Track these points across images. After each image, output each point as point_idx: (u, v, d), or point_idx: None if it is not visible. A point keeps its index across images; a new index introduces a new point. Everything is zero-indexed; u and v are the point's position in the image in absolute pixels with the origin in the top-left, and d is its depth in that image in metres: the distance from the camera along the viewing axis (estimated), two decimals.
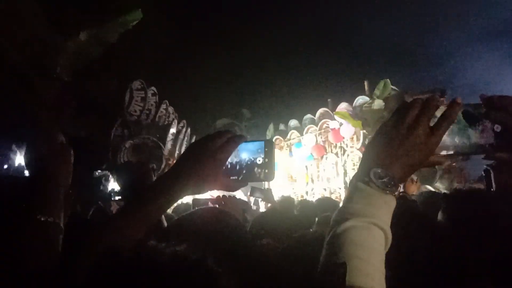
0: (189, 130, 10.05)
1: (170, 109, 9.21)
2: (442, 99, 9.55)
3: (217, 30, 15.03)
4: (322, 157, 10.18)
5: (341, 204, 0.83)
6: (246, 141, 0.93)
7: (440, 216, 1.85)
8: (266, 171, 0.90)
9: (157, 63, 10.45)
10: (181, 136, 9.38)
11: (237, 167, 0.92)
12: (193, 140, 10.43)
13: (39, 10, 7.33)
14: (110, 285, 0.60)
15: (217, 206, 2.49)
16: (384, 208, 0.78)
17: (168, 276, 0.59)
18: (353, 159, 9.31)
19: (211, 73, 14.47)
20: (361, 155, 9.06)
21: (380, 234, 0.76)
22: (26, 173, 1.31)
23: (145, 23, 8.19)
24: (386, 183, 0.76)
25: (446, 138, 0.81)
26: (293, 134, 11.32)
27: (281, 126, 12.27)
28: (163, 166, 7.72)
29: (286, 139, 11.59)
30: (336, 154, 9.76)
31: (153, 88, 8.55)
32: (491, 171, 2.16)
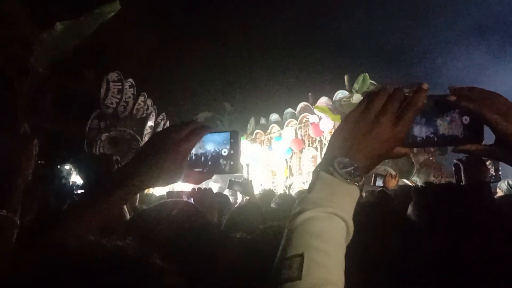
0: (168, 122, 9.94)
1: (149, 101, 9.09)
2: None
3: (199, 22, 14.91)
4: (301, 151, 10.23)
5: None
6: (211, 132, 0.90)
7: (410, 210, 1.86)
8: (232, 163, 0.88)
9: (138, 55, 10.28)
10: (159, 129, 9.26)
11: (202, 159, 0.89)
12: None
13: (15, 2, 7.15)
14: (47, 284, 0.57)
15: (191, 199, 2.45)
16: (346, 198, 0.75)
17: (105, 272, 0.56)
18: None
19: (192, 65, 14.35)
20: None
21: (341, 225, 0.73)
22: None
23: (124, 14, 8.03)
24: (350, 172, 0.74)
25: (413, 128, 0.79)
26: (274, 128, 11.34)
27: (262, 120, 12.28)
28: None
29: (266, 133, 11.60)
30: (316, 148, 9.81)
31: (130, 80, 8.40)
32: (461, 165, 2.19)
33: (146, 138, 8.15)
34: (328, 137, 9.44)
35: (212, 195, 2.49)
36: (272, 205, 4.06)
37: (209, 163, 0.89)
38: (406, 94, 0.80)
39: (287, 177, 10.62)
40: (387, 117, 0.76)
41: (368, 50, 13.75)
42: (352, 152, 0.76)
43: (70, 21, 7.58)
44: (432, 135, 0.80)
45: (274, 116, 11.72)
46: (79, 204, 0.87)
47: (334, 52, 14.25)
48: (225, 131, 0.91)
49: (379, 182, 4.69)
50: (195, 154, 0.89)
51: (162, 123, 9.49)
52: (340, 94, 9.37)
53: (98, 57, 8.52)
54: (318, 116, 9.31)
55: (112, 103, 7.89)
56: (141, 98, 8.65)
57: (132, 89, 8.33)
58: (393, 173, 5.16)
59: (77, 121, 7.34)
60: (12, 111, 6.17)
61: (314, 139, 9.93)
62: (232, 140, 0.89)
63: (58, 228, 0.83)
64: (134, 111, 8.32)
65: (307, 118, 9.93)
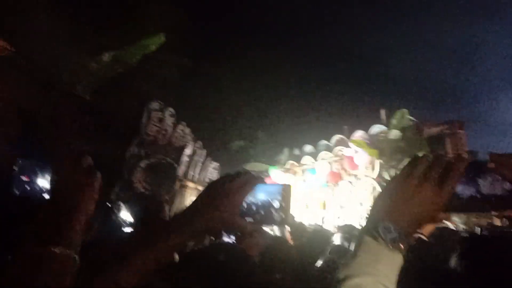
0: (205, 151, 10.09)
1: (187, 130, 9.31)
2: (460, 131, 9.46)
3: (235, 53, 15.28)
4: (336, 184, 10.07)
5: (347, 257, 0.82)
6: (264, 183, 0.93)
7: (454, 262, 1.79)
8: (283, 215, 0.90)
9: (177, 85, 10.62)
10: (196, 158, 9.42)
11: (253, 208, 0.91)
12: (208, 162, 10.47)
13: (65, 30, 7.59)
14: None
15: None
16: (390, 266, 0.76)
17: None
18: (367, 188, 9.19)
19: (228, 94, 14.62)
20: (375, 184, 9.01)
21: None
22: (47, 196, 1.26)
23: (166, 46, 8.39)
24: (394, 238, 0.75)
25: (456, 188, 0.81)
26: (308, 160, 11.26)
27: (296, 151, 12.24)
28: (176, 187, 7.74)
29: (300, 164, 11.53)
30: (351, 182, 9.64)
31: (171, 109, 8.68)
32: None
33: (183, 167, 8.30)
34: (364, 172, 9.29)
35: (261, 238, 2.49)
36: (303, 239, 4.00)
37: (261, 213, 0.91)
38: (448, 160, 0.82)
39: (321, 210, 10.44)
40: (430, 183, 0.78)
41: (404, 85, 13.64)
42: (396, 217, 0.77)
43: (117, 51, 7.99)
44: (474, 194, 0.80)
45: (308, 147, 11.67)
46: (135, 248, 0.90)
47: (369, 85, 14.21)
48: (277, 184, 0.95)
49: None
50: (246, 203, 0.91)
51: (199, 151, 9.65)
52: (376, 128, 9.26)
53: (140, 86, 8.87)
54: (354, 149, 9.19)
55: (152, 131, 8.14)
56: (180, 127, 8.88)
57: (172, 118, 8.59)
58: None
59: (117, 147, 7.59)
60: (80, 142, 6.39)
61: (349, 172, 9.78)
62: (284, 193, 0.91)
63: (116, 269, 0.86)
64: (173, 140, 8.53)
65: (342, 151, 9.83)
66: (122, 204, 2.33)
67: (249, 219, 0.91)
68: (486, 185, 0.81)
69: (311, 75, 15.23)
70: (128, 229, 2.23)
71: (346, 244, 4.00)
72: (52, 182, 1.16)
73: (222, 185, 0.89)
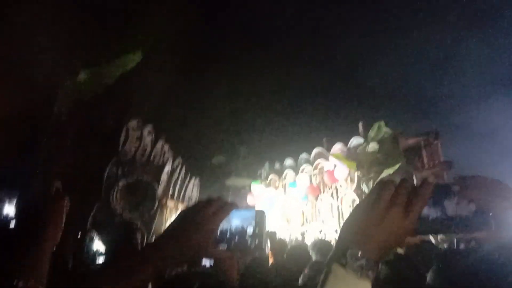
0: (184, 168, 10.02)
1: (166, 147, 9.23)
2: (436, 141, 9.66)
3: (214, 67, 15.30)
4: (317, 198, 10.13)
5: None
6: (237, 209, 0.92)
7: (430, 277, 1.81)
8: (257, 241, 0.89)
9: (155, 100, 10.55)
10: (175, 175, 9.34)
11: (227, 235, 0.91)
12: (188, 179, 10.39)
13: (38, 48, 7.46)
14: None
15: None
16: None
17: None
18: (347, 201, 9.26)
19: (208, 110, 14.60)
20: (355, 197, 9.09)
21: None
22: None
23: (144, 63, 8.35)
24: (362, 266, 0.75)
25: (422, 212, 0.82)
26: (289, 173, 11.31)
27: (277, 165, 12.29)
28: (156, 206, 7.64)
29: (281, 178, 11.57)
30: (331, 195, 9.71)
31: (149, 126, 8.61)
32: None
33: (162, 185, 8.22)
34: (344, 185, 9.37)
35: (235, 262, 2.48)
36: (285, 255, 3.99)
37: (234, 239, 0.90)
38: (414, 184, 0.83)
39: (302, 224, 10.46)
40: (397, 209, 0.78)
41: (383, 98, 13.90)
42: (363, 244, 0.77)
43: (93, 68, 7.89)
44: (440, 217, 0.81)
45: (288, 161, 11.73)
46: (106, 282, 0.88)
47: (349, 97, 14.42)
48: (251, 209, 0.94)
49: None
50: (220, 230, 0.90)
51: (178, 169, 9.58)
52: (355, 141, 9.38)
53: (118, 104, 8.77)
54: (333, 163, 9.28)
55: (130, 150, 8.05)
56: (159, 144, 8.81)
57: (150, 136, 8.51)
58: None
59: (96, 168, 7.46)
60: (43, 166, 6.23)
61: (329, 186, 9.85)
62: (257, 219, 0.90)
63: None
64: (151, 158, 8.44)
65: (322, 165, 9.91)
66: (96, 232, 2.28)
67: (223, 246, 0.90)
68: (452, 207, 0.83)
69: (290, 89, 15.38)
70: (102, 257, 2.18)
71: (323, 259, 4.01)
72: (17, 210, 1.13)
73: (195, 213, 0.89)
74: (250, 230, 0.90)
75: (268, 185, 11.92)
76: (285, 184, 11.31)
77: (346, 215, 9.06)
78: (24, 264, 1.04)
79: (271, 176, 11.96)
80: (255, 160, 14.49)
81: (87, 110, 7.77)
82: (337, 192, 9.60)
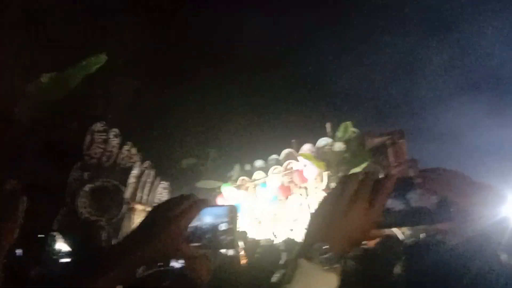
0: (153, 171, 9.85)
1: (133, 150, 9.05)
2: (401, 140, 9.94)
3: (182, 70, 15.19)
4: (287, 198, 10.20)
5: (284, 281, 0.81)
6: (208, 206, 0.89)
7: (398, 269, 1.84)
8: (229, 238, 0.87)
9: (121, 104, 10.34)
10: (144, 178, 9.16)
11: (198, 233, 0.88)
12: (158, 182, 10.22)
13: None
14: None
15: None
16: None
17: None
18: (317, 199, 9.36)
19: (176, 113, 14.45)
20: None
21: None
22: None
23: (109, 65, 8.16)
24: (328, 259, 0.75)
25: (386, 204, 0.83)
26: (259, 175, 11.33)
27: (247, 167, 12.28)
28: (123, 210, 7.47)
29: (252, 180, 11.57)
30: (301, 195, 9.81)
31: (115, 129, 8.41)
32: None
33: (130, 189, 8.04)
34: (313, 184, 9.49)
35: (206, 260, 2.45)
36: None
37: (206, 237, 0.87)
38: (377, 178, 0.84)
39: (273, 224, 10.49)
40: (361, 202, 0.78)
41: (349, 99, 14.20)
42: (329, 237, 0.77)
43: (55, 73, 7.65)
44: (404, 209, 0.82)
45: (258, 163, 11.76)
46: (74, 285, 0.84)
47: (317, 99, 14.65)
48: (223, 206, 0.92)
49: None
50: (192, 228, 0.87)
51: (147, 172, 9.40)
52: (323, 141, 9.53)
53: (82, 108, 8.54)
54: (302, 163, 9.38)
55: (96, 153, 7.85)
56: (126, 147, 8.62)
57: (117, 139, 8.33)
58: None
59: (59, 173, 7.21)
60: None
61: (299, 186, 9.94)
62: (230, 215, 0.88)
63: None
64: (118, 161, 8.25)
65: (291, 165, 10.00)
66: (57, 235, 2.20)
67: (195, 244, 0.87)
68: (415, 200, 0.84)
69: (258, 91, 15.46)
70: (64, 260, 2.10)
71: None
72: None
73: (165, 211, 0.85)
74: (222, 227, 0.88)
75: (239, 187, 11.90)
76: (255, 185, 11.32)
77: None
78: None
79: (242, 178, 11.94)
80: (224, 162, 14.45)
81: (50, 113, 7.52)
82: (307, 191, 9.70)
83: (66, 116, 7.84)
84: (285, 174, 10.32)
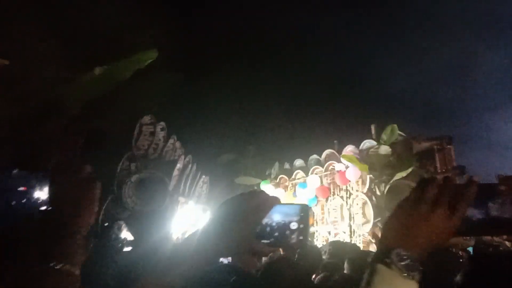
0: (195, 166, 10.03)
1: (177, 144, 9.24)
2: (449, 146, 9.60)
3: (225, 67, 15.33)
4: (327, 199, 10.09)
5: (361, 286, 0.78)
6: (280, 204, 0.89)
7: (460, 279, 1.77)
8: (301, 237, 0.86)
9: (166, 98, 10.58)
10: (186, 172, 9.35)
11: (268, 230, 0.87)
12: (198, 176, 10.40)
13: (53, 45, 7.52)
14: None
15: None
16: None
17: None
18: (358, 203, 9.21)
19: (217, 108, 14.61)
20: (366, 199, 9.04)
21: None
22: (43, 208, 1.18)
23: (157, 61, 8.36)
24: (408, 266, 0.73)
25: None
26: (298, 174, 11.28)
27: (286, 165, 12.26)
28: (166, 201, 7.65)
29: (291, 179, 11.54)
30: (342, 197, 9.67)
31: (162, 123, 8.64)
32: None
33: (174, 181, 8.23)
34: (355, 187, 9.33)
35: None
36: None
37: (276, 234, 0.87)
38: (458, 183, 0.81)
39: (311, 226, 10.41)
40: (442, 209, 0.76)
41: (396, 101, 13.82)
42: (408, 243, 0.75)
43: (108, 66, 7.91)
44: (483, 218, 0.79)
45: (298, 162, 11.71)
46: (145, 281, 0.86)
47: (360, 100, 14.37)
48: (295, 204, 0.91)
49: None
50: (261, 225, 0.87)
51: (189, 166, 9.59)
52: (367, 143, 9.34)
53: (130, 100, 8.80)
54: (345, 164, 9.24)
55: (143, 145, 8.09)
56: (171, 141, 8.83)
57: (163, 132, 8.54)
58: None
59: (108, 162, 7.48)
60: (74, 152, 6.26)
61: (340, 187, 9.81)
62: (302, 214, 0.87)
63: None
64: (163, 154, 8.47)
65: (333, 166, 9.87)
66: (121, 223, 2.28)
67: (264, 241, 0.87)
68: (495, 208, 0.80)
69: (302, 89, 15.35)
70: (126, 249, 2.17)
71: (336, 260, 3.98)
72: (50, 194, 1.10)
73: (238, 205, 0.86)
74: (293, 226, 0.87)
75: (278, 185, 11.90)
76: (295, 184, 11.27)
77: (357, 217, 9.05)
78: (62, 250, 1.02)
79: (281, 176, 11.93)
80: (263, 159, 14.47)
81: (101, 105, 7.81)
82: (347, 193, 9.55)
83: (116, 108, 8.11)
84: (326, 175, 10.21)
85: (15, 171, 1.19)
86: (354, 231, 9.10)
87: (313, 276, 3.64)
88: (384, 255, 0.75)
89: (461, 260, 2.18)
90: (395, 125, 8.93)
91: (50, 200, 1.09)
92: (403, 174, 8.29)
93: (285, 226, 0.87)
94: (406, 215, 0.79)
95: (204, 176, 10.91)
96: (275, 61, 14.89)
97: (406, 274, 0.72)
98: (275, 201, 0.88)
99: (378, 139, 9.22)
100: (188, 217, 9.03)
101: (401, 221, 0.79)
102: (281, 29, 14.93)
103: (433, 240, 0.76)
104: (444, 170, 9.26)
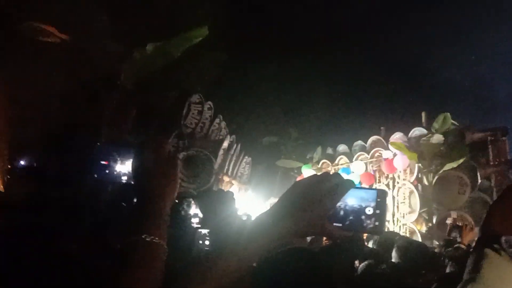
0: (239, 146, 10.13)
1: (223, 124, 9.35)
2: (504, 138, 9.16)
3: (271, 50, 15.20)
4: (371, 186, 9.92)
5: (466, 271, 0.77)
6: (356, 188, 0.87)
7: None
8: (377, 223, 0.83)
9: (214, 78, 10.66)
10: (231, 152, 9.47)
11: (342, 214, 0.86)
12: (242, 157, 10.50)
13: (108, 22, 7.72)
14: None
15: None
16: None
17: None
18: (404, 192, 9.00)
19: (261, 90, 14.57)
20: (413, 188, 8.79)
21: None
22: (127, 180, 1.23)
23: (207, 40, 8.41)
24: None
25: None
26: (342, 160, 11.13)
27: (329, 150, 12.13)
28: (212, 180, 7.80)
29: (333, 164, 11.41)
30: (387, 185, 9.47)
31: (209, 102, 8.75)
32: None
33: (219, 160, 8.36)
34: (401, 175, 9.09)
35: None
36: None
37: (350, 218, 0.85)
38: None
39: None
40: None
41: (447, 89, 13.24)
42: None
43: (160, 43, 8.05)
44: None
45: (342, 147, 11.54)
46: (218, 255, 0.85)
47: (410, 87, 13.87)
48: (372, 189, 0.89)
49: (455, 234, 4.24)
50: (335, 208, 0.86)
51: (234, 146, 9.70)
52: (417, 131, 9.05)
53: (180, 78, 8.96)
54: (392, 152, 9.01)
55: (191, 124, 8.24)
56: (217, 121, 8.94)
57: (210, 112, 8.66)
58: (470, 222, 4.67)
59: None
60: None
61: (385, 175, 9.61)
62: (379, 199, 0.85)
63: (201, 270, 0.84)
64: (210, 133, 8.60)
65: (379, 153, 9.65)
66: (191, 201, 2.33)
67: (337, 225, 0.85)
68: None
69: (348, 72, 15.00)
70: (195, 222, 2.23)
71: (380, 249, 3.90)
72: (133, 169, 1.14)
73: (314, 186, 0.85)
74: (369, 211, 0.84)
75: (319, 170, 11.80)
76: (337, 169, 11.14)
77: (402, 206, 8.86)
78: (150, 223, 1.06)
79: (323, 161, 11.81)
80: (305, 143, 14.39)
81: (153, 81, 8.00)
82: (393, 182, 9.35)
83: (167, 85, 8.29)
84: (372, 162, 10.02)
85: (98, 146, 1.24)
86: (398, 220, 8.93)
87: (356, 263, 3.60)
88: (491, 241, 0.75)
89: None
90: (448, 114, 8.60)
91: (139, 176, 1.13)
92: (454, 165, 8.02)
93: (360, 211, 0.85)
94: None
95: (247, 157, 11.00)
96: (323, 44, 14.60)
97: None
98: (350, 184, 0.87)
99: (428, 127, 8.92)
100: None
101: (509, 207, 0.76)
102: (331, 14, 14.58)
103: None
104: (496, 163, 8.90)
